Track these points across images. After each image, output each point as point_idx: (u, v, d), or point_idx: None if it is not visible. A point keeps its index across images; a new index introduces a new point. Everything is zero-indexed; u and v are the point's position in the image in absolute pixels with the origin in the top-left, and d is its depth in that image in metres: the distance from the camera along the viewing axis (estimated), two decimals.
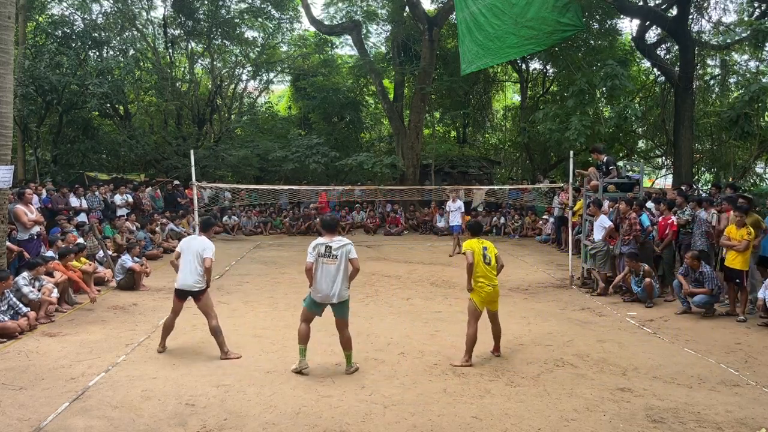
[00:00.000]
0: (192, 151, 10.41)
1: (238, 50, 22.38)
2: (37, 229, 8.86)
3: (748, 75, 15.78)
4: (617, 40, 18.99)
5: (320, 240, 5.36)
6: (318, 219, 17.35)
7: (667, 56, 17.58)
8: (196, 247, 6.08)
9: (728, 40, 14.18)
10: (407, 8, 19.69)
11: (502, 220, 17.31)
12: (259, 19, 21.70)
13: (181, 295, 6.03)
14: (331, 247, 5.26)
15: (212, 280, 9.89)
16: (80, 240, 9.79)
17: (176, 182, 17.12)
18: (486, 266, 5.68)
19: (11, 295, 6.72)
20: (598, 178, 9.57)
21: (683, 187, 11.57)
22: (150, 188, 15.64)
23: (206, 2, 19.81)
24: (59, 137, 16.00)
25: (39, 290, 7.14)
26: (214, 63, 21.89)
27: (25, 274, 7.15)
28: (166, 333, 6.12)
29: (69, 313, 7.67)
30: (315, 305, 5.36)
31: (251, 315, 7.66)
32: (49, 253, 8.53)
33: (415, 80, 19.63)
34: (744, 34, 13.74)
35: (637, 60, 19.66)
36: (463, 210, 13.46)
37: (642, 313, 7.78)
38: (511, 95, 26.88)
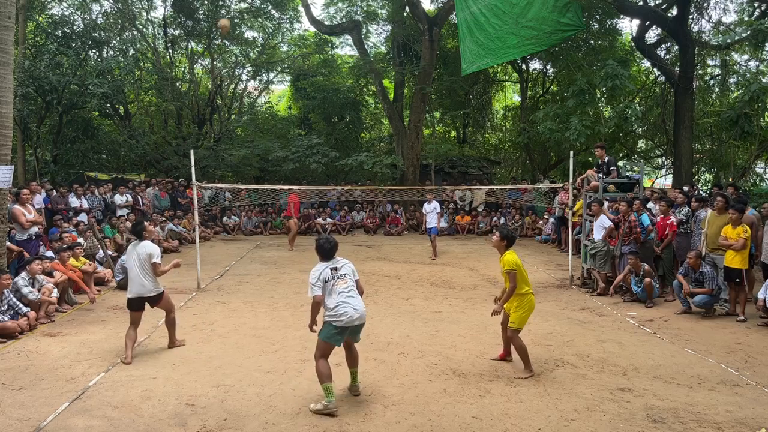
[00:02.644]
0: (192, 151, 10.41)
1: (238, 50, 22.37)
2: (35, 229, 8.87)
3: (748, 75, 15.77)
4: (617, 40, 18.98)
5: (319, 266, 4.76)
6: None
7: (667, 56, 17.58)
8: (140, 252, 5.86)
9: (728, 40, 14.16)
10: (407, 8, 19.67)
11: (502, 220, 17.32)
12: (259, 19, 21.69)
13: (135, 304, 5.85)
14: (336, 268, 4.76)
15: (212, 280, 9.96)
16: (80, 240, 9.79)
17: (181, 179, 17.15)
18: (527, 277, 5.48)
19: (11, 296, 6.73)
20: (597, 179, 9.57)
21: (685, 188, 11.58)
22: (151, 188, 15.65)
23: (206, 2, 19.80)
24: (59, 137, 15.99)
25: (39, 290, 7.15)
26: (214, 63, 21.88)
27: (24, 274, 7.16)
28: (132, 343, 5.78)
29: (69, 313, 7.68)
30: (337, 334, 4.66)
31: (251, 315, 7.66)
32: (49, 253, 8.55)
33: (415, 80, 19.62)
34: (744, 34, 13.74)
35: (637, 60, 19.64)
36: (439, 211, 13.02)
37: (642, 313, 7.78)
38: (511, 95, 26.88)
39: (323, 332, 4.70)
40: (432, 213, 12.80)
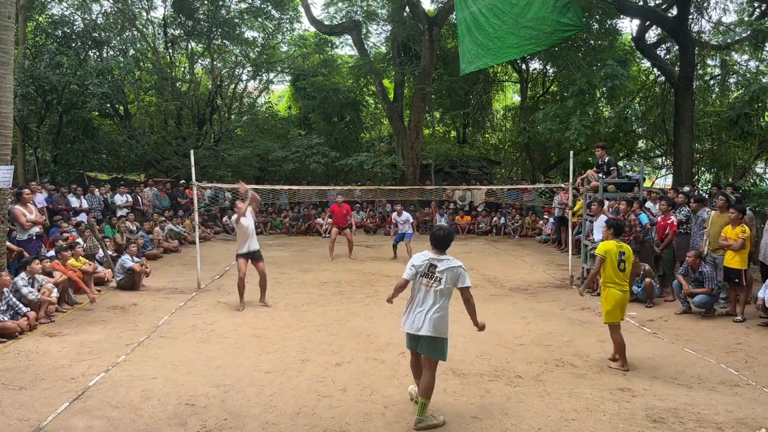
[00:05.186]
0: (192, 151, 10.41)
1: (238, 50, 22.38)
2: (36, 229, 8.86)
3: (748, 75, 15.78)
4: (617, 40, 18.99)
5: (426, 253, 4.41)
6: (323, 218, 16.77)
7: (667, 56, 17.59)
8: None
9: (728, 40, 14.17)
10: (407, 8, 19.69)
11: (502, 220, 17.32)
12: (259, 19, 21.71)
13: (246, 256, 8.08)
14: (435, 266, 4.30)
15: (213, 280, 9.99)
16: (78, 240, 9.79)
17: (182, 181, 17.16)
18: (620, 273, 5.52)
19: (11, 296, 6.73)
20: (597, 179, 9.58)
21: (686, 188, 11.59)
22: (148, 188, 15.64)
23: (206, 2, 19.80)
24: (59, 137, 15.99)
25: (39, 290, 7.15)
26: (214, 63, 21.89)
27: (23, 274, 7.15)
28: (241, 291, 7.98)
29: (69, 313, 7.67)
30: (408, 339, 4.49)
31: (251, 315, 7.66)
32: (50, 254, 8.55)
33: (415, 80, 19.63)
34: (744, 34, 13.75)
35: (637, 60, 19.66)
36: (411, 221, 12.64)
37: (642, 313, 7.78)
38: (511, 95, 26.90)
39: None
40: (405, 224, 12.30)
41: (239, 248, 8.10)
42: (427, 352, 4.33)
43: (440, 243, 4.37)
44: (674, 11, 15.15)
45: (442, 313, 4.29)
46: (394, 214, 12.84)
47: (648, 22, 15.85)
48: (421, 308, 4.34)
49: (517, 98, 25.19)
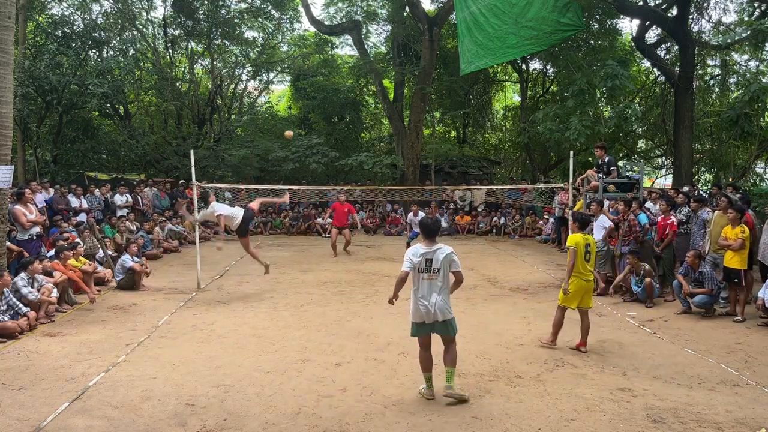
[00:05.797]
0: (192, 151, 10.40)
1: (238, 50, 22.39)
2: (36, 229, 8.87)
3: (748, 75, 15.78)
4: (617, 40, 19.00)
5: (419, 248, 4.68)
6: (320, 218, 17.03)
7: (667, 56, 17.59)
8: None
9: (728, 40, 14.17)
10: (407, 8, 19.69)
11: (502, 220, 17.31)
12: (259, 19, 21.71)
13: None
14: (431, 259, 4.60)
15: (213, 280, 9.99)
16: (77, 240, 9.79)
17: (182, 181, 17.16)
18: (585, 263, 6.03)
19: (11, 296, 6.73)
20: (597, 179, 9.58)
21: (686, 188, 11.59)
22: (148, 188, 15.64)
23: (206, 2, 19.81)
24: (59, 137, 15.99)
25: (39, 290, 7.15)
26: (214, 63, 21.90)
27: (23, 274, 7.15)
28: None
29: (69, 313, 7.67)
30: (421, 328, 4.76)
31: (251, 315, 7.66)
32: (50, 254, 8.55)
33: (415, 80, 19.63)
34: (744, 34, 13.75)
35: (637, 60, 19.67)
36: None
37: (642, 313, 7.78)
38: (511, 95, 26.90)
39: (412, 329, 4.88)
40: None
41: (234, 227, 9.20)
42: (442, 333, 4.80)
43: (430, 231, 4.73)
44: (674, 11, 15.16)
45: (445, 298, 4.70)
46: (410, 214, 13.79)
47: (648, 22, 15.85)
48: (427, 299, 4.68)
49: (517, 98, 25.19)
